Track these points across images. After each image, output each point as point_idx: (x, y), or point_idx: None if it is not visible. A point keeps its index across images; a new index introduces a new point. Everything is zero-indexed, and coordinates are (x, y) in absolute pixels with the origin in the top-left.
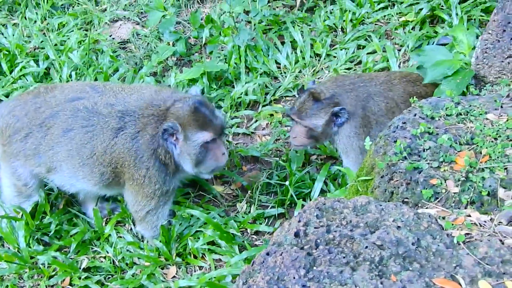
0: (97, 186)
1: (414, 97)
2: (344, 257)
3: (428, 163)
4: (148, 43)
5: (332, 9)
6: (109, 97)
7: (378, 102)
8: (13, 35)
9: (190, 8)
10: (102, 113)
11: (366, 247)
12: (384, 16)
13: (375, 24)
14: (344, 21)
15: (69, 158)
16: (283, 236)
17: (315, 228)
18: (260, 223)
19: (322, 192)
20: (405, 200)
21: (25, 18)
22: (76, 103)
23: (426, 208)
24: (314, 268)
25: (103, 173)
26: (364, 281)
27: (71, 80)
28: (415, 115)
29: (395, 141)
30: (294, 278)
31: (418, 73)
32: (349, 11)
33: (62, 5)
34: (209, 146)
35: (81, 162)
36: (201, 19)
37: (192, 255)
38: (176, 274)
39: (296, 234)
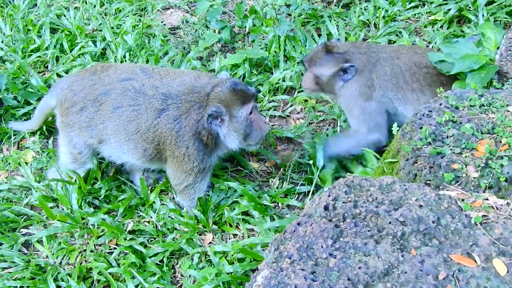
0: (140, 160)
1: (439, 87)
2: (369, 231)
3: (450, 149)
4: (196, 30)
5: (367, 6)
6: (155, 80)
7: (384, 67)
8: (74, 17)
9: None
10: (147, 94)
11: (390, 222)
12: (415, 14)
13: (406, 22)
14: (377, 17)
15: (116, 132)
16: (313, 208)
17: (343, 203)
18: (291, 198)
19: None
20: (428, 182)
21: (86, 2)
22: (126, 83)
23: (447, 190)
24: (341, 239)
25: (146, 149)
26: (386, 253)
27: (125, 60)
28: (440, 104)
29: (421, 128)
30: (322, 247)
31: (425, 48)
32: (382, 8)
33: None
34: (252, 118)
35: (126, 137)
36: (246, 10)
37: (227, 224)
38: (212, 240)
39: (326, 208)
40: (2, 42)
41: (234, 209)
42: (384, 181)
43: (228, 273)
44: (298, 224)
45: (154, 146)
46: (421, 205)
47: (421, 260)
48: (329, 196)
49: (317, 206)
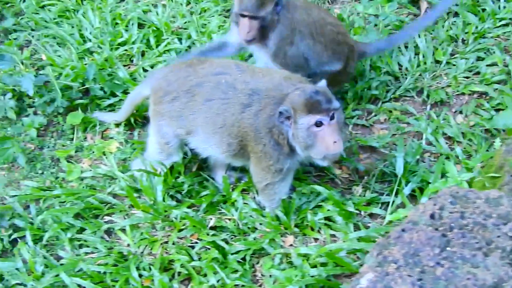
0: (224, 155)
1: None
2: (477, 243)
3: None
4: None
5: (455, 21)
6: (247, 75)
7: (301, 14)
8: (162, 14)
9: (322, 6)
10: (237, 88)
11: (499, 236)
12: (505, 32)
13: (495, 39)
14: (466, 33)
15: (204, 124)
16: (418, 216)
17: (450, 213)
18: (374, 207)
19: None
20: None
21: (172, 0)
22: (220, 77)
23: None
24: (448, 248)
25: (230, 144)
26: (495, 266)
27: None
28: None
29: None
30: (429, 255)
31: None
32: (472, 24)
33: None
34: (320, 133)
35: (213, 130)
36: None
37: (309, 228)
38: (293, 243)
39: (432, 216)
40: (90, 33)
41: (316, 213)
42: (491, 194)
43: (311, 276)
44: (403, 230)
45: (238, 141)
46: None
47: None
48: (434, 205)
49: (422, 214)
